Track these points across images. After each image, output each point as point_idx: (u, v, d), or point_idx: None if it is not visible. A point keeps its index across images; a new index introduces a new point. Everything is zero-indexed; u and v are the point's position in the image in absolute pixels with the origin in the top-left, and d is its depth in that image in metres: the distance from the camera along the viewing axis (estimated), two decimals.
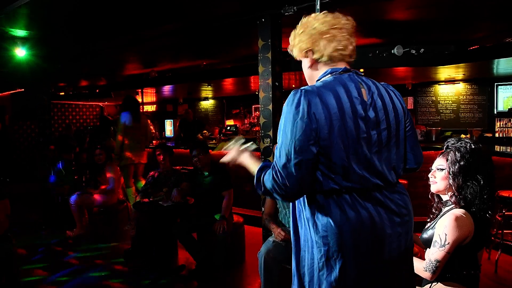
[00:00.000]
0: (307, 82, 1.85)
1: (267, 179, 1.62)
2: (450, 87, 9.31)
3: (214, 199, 4.44)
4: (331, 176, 1.57)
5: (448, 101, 9.37)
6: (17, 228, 5.74)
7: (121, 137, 6.07)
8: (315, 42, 1.69)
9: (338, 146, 1.54)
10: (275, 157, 1.62)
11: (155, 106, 14.57)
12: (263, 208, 4.02)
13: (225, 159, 2.00)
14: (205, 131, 9.35)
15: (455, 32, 5.89)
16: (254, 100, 11.41)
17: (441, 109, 9.46)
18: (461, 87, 9.18)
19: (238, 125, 11.42)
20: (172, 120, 11.09)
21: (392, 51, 5.72)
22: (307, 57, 1.76)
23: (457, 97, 9.25)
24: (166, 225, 4.49)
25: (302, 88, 1.61)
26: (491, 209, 2.14)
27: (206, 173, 4.55)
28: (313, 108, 1.54)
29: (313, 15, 1.75)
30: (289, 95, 1.60)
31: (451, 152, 2.22)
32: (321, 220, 1.60)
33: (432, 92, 9.53)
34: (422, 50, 5.81)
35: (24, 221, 6.23)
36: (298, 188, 1.57)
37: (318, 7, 3.79)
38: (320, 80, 1.71)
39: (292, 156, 1.53)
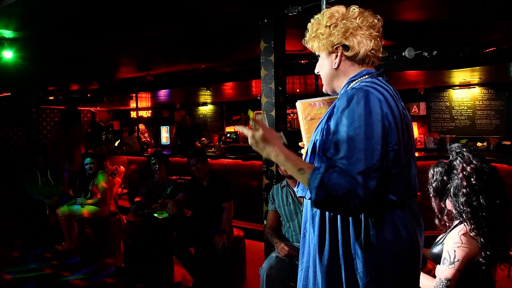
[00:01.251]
0: (326, 82, 1.77)
1: (339, 184, 1.41)
2: (465, 91, 9.31)
3: (213, 211, 4.43)
4: (391, 187, 1.50)
5: (463, 107, 9.37)
6: (2, 240, 5.74)
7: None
8: (350, 37, 1.62)
9: (401, 153, 1.51)
10: (342, 158, 1.45)
11: (150, 111, 14.61)
12: (265, 221, 4.01)
13: (245, 131, 1.68)
14: (204, 139, 9.36)
15: (470, 34, 5.91)
16: (255, 105, 11.41)
17: (455, 115, 9.45)
18: (477, 92, 9.18)
19: (238, 132, 11.43)
20: (168, 127, 11.13)
21: (403, 54, 5.73)
22: (335, 53, 1.67)
23: (472, 102, 9.25)
24: (161, 239, 4.48)
25: (362, 86, 1.54)
26: (502, 223, 2.13)
27: (205, 184, 4.55)
28: (384, 108, 1.47)
29: (341, 7, 1.67)
30: (350, 94, 1.50)
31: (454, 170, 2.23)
32: (369, 238, 1.51)
33: (446, 97, 9.53)
34: (435, 52, 5.83)
35: (9, 233, 6.22)
36: (373, 200, 1.43)
37: (324, 6, 3.81)
38: (356, 81, 1.64)
39: (373, 162, 1.42)
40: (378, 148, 1.43)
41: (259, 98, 5.53)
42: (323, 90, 1.81)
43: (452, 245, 2.08)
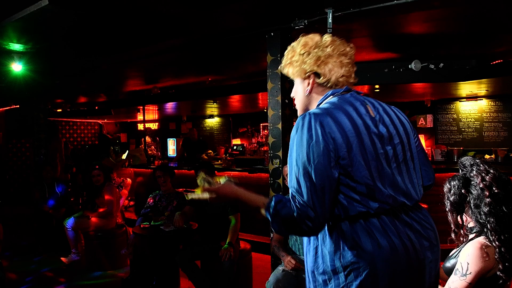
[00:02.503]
0: (300, 107, 1.86)
1: (287, 213, 1.54)
2: (472, 104, 9.29)
3: (219, 224, 4.42)
4: (356, 198, 1.55)
5: (470, 119, 9.33)
6: (10, 252, 5.75)
7: None
8: (321, 65, 1.71)
9: (359, 163, 1.54)
10: (292, 188, 1.58)
11: (157, 124, 14.68)
12: (272, 234, 4.00)
13: (203, 193, 1.83)
14: (210, 151, 9.38)
15: (476, 46, 5.91)
16: (262, 117, 11.46)
17: (463, 128, 9.42)
18: (484, 104, 9.15)
19: (245, 145, 11.45)
20: (175, 139, 11.15)
21: (410, 66, 5.73)
22: (307, 80, 1.77)
23: (480, 114, 9.21)
24: (167, 252, 4.48)
25: (309, 111, 1.63)
26: None
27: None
28: (326, 128, 1.55)
29: (316, 36, 1.76)
30: (297, 121, 1.62)
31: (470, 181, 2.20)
32: (348, 252, 1.54)
33: (453, 110, 9.51)
34: (441, 65, 5.82)
35: (17, 246, 6.24)
36: (324, 217, 1.53)
37: (330, 20, 3.84)
38: (323, 103, 1.73)
39: (314, 182, 1.51)
40: (318, 168, 1.51)
41: (265, 110, 5.55)
42: (298, 114, 1.85)
43: (466, 257, 2.05)
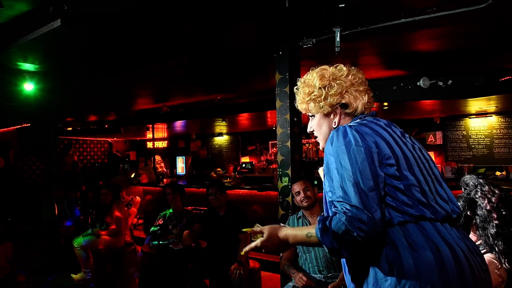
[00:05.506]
0: (324, 142, 1.76)
1: (338, 223, 1.44)
2: (482, 120, 9.25)
3: (229, 242, 4.40)
4: (406, 201, 1.47)
5: (480, 136, 9.28)
6: (25, 271, 5.75)
7: None
8: (345, 96, 1.69)
9: (403, 166, 1.51)
10: (336, 199, 1.48)
11: (166, 142, 14.76)
12: (281, 253, 3.97)
13: (252, 245, 1.76)
14: (219, 169, 9.40)
15: (485, 62, 5.92)
16: (271, 135, 11.48)
17: (473, 144, 9.36)
18: (494, 120, 9.11)
19: (254, 162, 11.45)
20: (184, 157, 11.19)
21: (418, 84, 5.74)
22: (333, 112, 1.73)
23: (490, 131, 9.16)
24: (176, 270, 4.46)
25: (339, 127, 1.61)
26: None
27: (222, 213, 4.53)
28: (364, 135, 1.52)
29: (327, 67, 1.74)
30: (330, 135, 1.59)
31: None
32: (402, 260, 1.41)
33: (463, 126, 9.47)
34: (450, 82, 5.82)
35: (27, 264, 6.24)
36: (380, 218, 1.42)
37: (338, 39, 3.86)
38: None
39: (361, 183, 1.44)
40: (363, 168, 1.46)
41: (274, 128, 5.57)
42: (320, 148, 1.81)
43: None
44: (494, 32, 4.50)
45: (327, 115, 1.74)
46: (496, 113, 8.97)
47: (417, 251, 1.41)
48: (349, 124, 1.59)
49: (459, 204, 2.19)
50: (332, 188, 1.51)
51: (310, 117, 1.82)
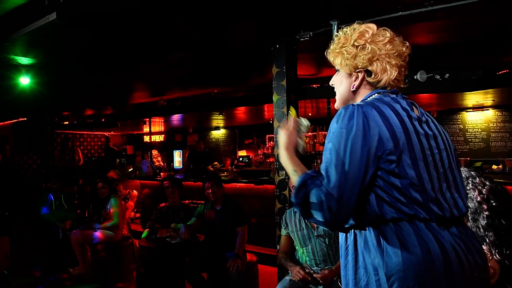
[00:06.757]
0: (341, 101, 1.73)
1: (314, 194, 1.45)
2: (478, 114, 9.26)
3: (226, 235, 4.41)
4: (401, 199, 1.43)
5: (477, 129, 9.30)
6: (17, 266, 5.74)
7: None
8: (375, 63, 1.59)
9: (405, 162, 1.43)
10: (324, 175, 1.46)
11: (163, 136, 14.73)
12: (278, 246, 3.98)
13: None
14: (216, 163, 9.40)
15: (482, 56, 5.92)
16: (268, 129, 11.48)
17: (469, 138, 9.38)
18: (491, 114, 9.12)
19: (251, 156, 11.44)
20: (181, 151, 11.17)
21: (415, 77, 5.74)
22: (356, 75, 1.64)
23: (486, 124, 9.18)
24: (174, 264, 4.47)
25: (352, 103, 1.52)
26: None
27: (219, 207, 4.54)
28: (371, 121, 1.44)
29: (373, 26, 1.64)
30: (338, 111, 1.51)
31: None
32: (393, 258, 1.40)
33: (460, 120, 9.48)
34: (447, 75, 5.82)
35: (24, 259, 6.23)
36: (347, 214, 1.42)
37: (335, 32, 3.85)
38: (367, 100, 1.61)
39: (347, 173, 1.41)
40: (355, 162, 1.41)
41: (271, 122, 5.56)
42: (335, 106, 1.76)
43: None
44: (491, 26, 4.50)
45: (350, 75, 1.66)
46: (493, 106, 8.98)
47: (407, 249, 1.39)
48: (359, 104, 1.50)
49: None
50: (327, 163, 1.47)
51: (336, 70, 1.75)
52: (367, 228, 1.48)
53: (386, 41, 1.59)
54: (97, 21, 3.93)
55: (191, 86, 7.98)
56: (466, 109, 9.34)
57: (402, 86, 1.68)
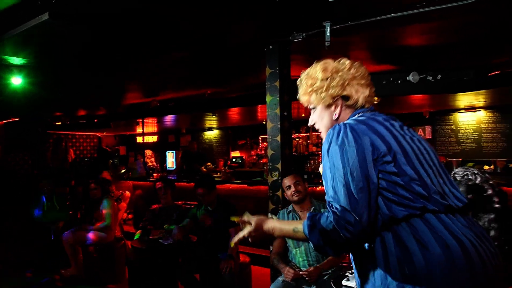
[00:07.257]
0: (325, 133, 1.75)
1: (326, 221, 1.48)
2: (470, 115, 9.32)
3: (219, 236, 4.40)
4: (406, 195, 1.48)
5: (469, 130, 9.36)
6: (8, 267, 5.69)
7: None
8: (347, 88, 1.71)
9: (401, 160, 1.51)
10: (329, 197, 1.52)
11: (156, 136, 14.69)
12: (271, 247, 3.98)
13: (240, 235, 1.86)
14: (209, 164, 9.39)
15: (474, 57, 5.95)
16: (261, 130, 11.46)
17: (461, 139, 9.44)
18: (482, 115, 9.19)
19: (244, 157, 11.43)
20: (174, 152, 11.15)
21: (408, 78, 5.77)
22: (334, 104, 1.74)
23: (478, 125, 9.24)
24: (166, 265, 4.45)
25: (340, 123, 1.61)
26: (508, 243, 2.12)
27: (211, 209, 4.52)
28: (360, 133, 1.53)
29: (330, 61, 1.76)
30: (327, 133, 1.60)
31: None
32: (413, 259, 1.41)
33: (452, 121, 9.54)
34: (439, 76, 5.85)
35: (15, 260, 6.17)
36: (367, 221, 1.45)
37: (328, 33, 3.87)
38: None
39: (351, 184, 1.46)
40: (355, 169, 1.48)
41: (264, 123, 5.56)
42: (322, 137, 1.81)
43: None
44: (483, 27, 4.52)
45: (328, 106, 1.75)
46: (485, 107, 9.04)
47: (427, 249, 1.41)
48: (345, 122, 1.59)
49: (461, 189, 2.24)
50: (326, 187, 1.55)
51: (312, 111, 1.83)
52: (383, 234, 1.51)
53: (347, 67, 1.73)
54: (92, 21, 3.90)
55: (186, 86, 7.95)
56: (458, 110, 9.40)
57: (374, 102, 1.80)
